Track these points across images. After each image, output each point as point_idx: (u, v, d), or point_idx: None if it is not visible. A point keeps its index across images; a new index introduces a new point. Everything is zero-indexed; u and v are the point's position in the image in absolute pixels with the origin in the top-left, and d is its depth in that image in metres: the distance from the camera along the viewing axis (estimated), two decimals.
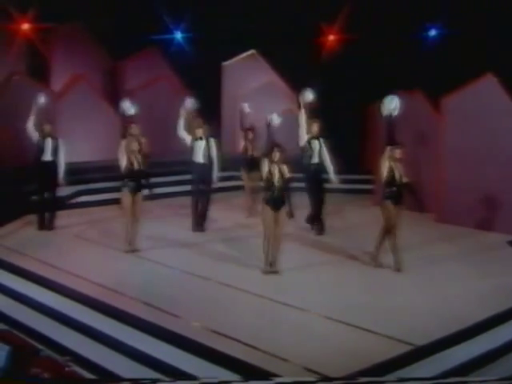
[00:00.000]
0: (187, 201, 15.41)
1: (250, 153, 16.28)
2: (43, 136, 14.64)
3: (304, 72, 20.15)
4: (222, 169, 15.49)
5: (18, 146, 16.48)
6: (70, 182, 15.81)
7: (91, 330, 10.30)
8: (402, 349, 9.18)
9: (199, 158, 14.76)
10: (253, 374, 8.55)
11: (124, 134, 13.31)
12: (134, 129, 13.48)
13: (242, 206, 16.43)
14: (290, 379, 8.00)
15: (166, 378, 8.80)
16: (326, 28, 22.02)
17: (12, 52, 19.04)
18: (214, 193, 15.34)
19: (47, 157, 14.68)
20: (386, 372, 8.61)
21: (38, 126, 14.66)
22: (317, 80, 17.30)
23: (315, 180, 14.54)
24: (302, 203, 13.74)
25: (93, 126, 19.20)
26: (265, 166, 11.74)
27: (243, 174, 16.46)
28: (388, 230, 12.15)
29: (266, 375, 8.38)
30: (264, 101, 20.62)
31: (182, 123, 14.88)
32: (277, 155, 11.70)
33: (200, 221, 14.92)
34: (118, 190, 13.70)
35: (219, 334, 9.60)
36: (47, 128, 14.68)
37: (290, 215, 12.05)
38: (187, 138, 14.81)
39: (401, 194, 12.02)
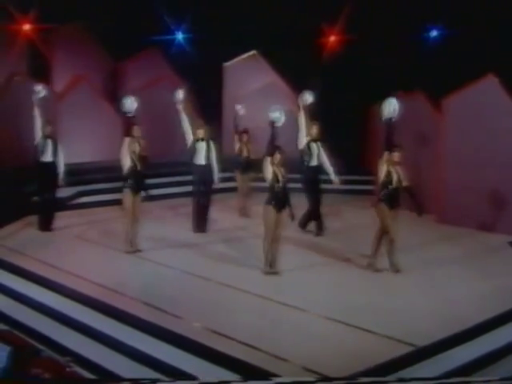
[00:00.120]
0: (187, 201, 15.42)
1: (244, 154, 16.32)
2: (43, 137, 14.62)
3: (305, 73, 20.16)
4: (222, 170, 15.49)
5: (19, 147, 16.48)
6: (70, 183, 15.81)
7: (92, 331, 10.30)
8: (403, 349, 9.18)
9: (200, 159, 14.76)
10: (253, 374, 8.54)
11: (127, 133, 13.30)
12: (136, 130, 13.51)
13: (236, 207, 16.49)
14: (289, 379, 8.01)
15: (166, 378, 8.80)
16: (327, 29, 22.03)
17: (13, 52, 19.03)
18: (214, 194, 15.33)
19: (47, 157, 14.67)
20: (387, 373, 8.60)
21: (42, 121, 14.64)
22: (317, 81, 17.36)
23: (313, 182, 14.55)
24: (300, 204, 13.71)
25: (93, 127, 19.22)
26: (267, 167, 11.74)
27: (237, 175, 16.48)
28: (384, 233, 12.09)
29: (266, 375, 8.37)
30: (265, 102, 20.60)
31: (184, 116, 14.87)
32: (278, 157, 11.72)
33: (201, 222, 14.91)
34: (118, 190, 13.70)
35: (220, 334, 9.59)
36: (47, 129, 14.67)
37: (292, 217, 12.06)
38: (189, 136, 14.80)
39: (397, 198, 11.95)
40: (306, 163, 14.49)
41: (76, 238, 14.46)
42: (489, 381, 8.35)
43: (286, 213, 11.94)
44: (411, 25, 20.17)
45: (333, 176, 14.57)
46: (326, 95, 15.51)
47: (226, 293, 11.31)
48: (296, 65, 20.49)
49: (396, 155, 11.88)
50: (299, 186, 14.44)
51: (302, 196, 14.43)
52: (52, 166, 14.70)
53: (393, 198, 11.89)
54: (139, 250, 13.32)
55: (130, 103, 13.46)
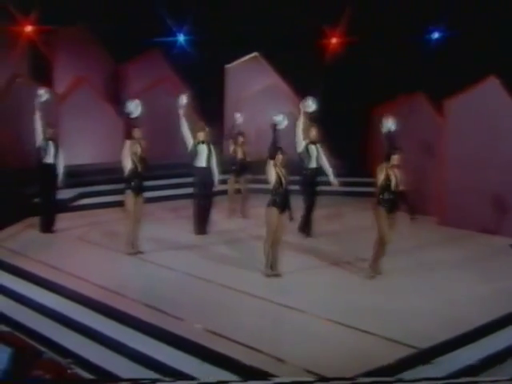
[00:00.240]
0: (188, 203, 15.42)
1: (239, 157, 16.31)
2: (45, 139, 14.61)
3: (307, 75, 20.16)
4: (223, 172, 15.53)
5: (20, 148, 16.47)
6: (72, 185, 15.80)
7: (93, 332, 10.28)
8: (403, 351, 9.15)
9: (201, 162, 14.75)
10: (255, 376, 8.54)
11: (128, 135, 13.30)
12: (137, 132, 13.50)
13: (231, 209, 16.52)
14: (288, 379, 8.05)
15: (166, 379, 8.80)
16: (329, 31, 22.04)
17: (14, 54, 19.06)
18: (214, 196, 15.34)
19: (49, 160, 14.66)
20: (389, 375, 8.58)
21: (42, 129, 14.63)
22: (319, 83, 17.35)
23: (311, 184, 14.54)
24: (298, 206, 13.68)
25: (95, 129, 19.22)
26: (271, 169, 11.73)
27: (231, 177, 16.44)
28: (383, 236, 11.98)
29: (265, 376, 8.38)
30: (266, 104, 20.63)
31: (184, 122, 14.85)
32: (280, 158, 11.72)
33: (202, 224, 14.91)
34: (120, 192, 13.71)
35: (221, 336, 9.58)
36: (49, 131, 14.66)
37: (290, 218, 12.05)
38: (189, 140, 14.79)
39: (395, 202, 11.85)
40: (305, 165, 14.47)
41: (77, 240, 14.45)
42: (498, 380, 8.36)
43: (286, 215, 11.96)
44: (413, 27, 20.14)
45: (331, 178, 14.57)
46: (327, 97, 15.46)
47: (227, 294, 11.29)
48: (298, 67, 20.47)
49: (395, 158, 11.77)
50: (298, 188, 14.41)
51: (300, 198, 14.40)
52: (54, 168, 14.67)
53: (391, 201, 11.78)
54: (141, 252, 13.31)
55: (135, 106, 13.44)
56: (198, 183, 14.90)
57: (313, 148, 14.52)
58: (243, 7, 21.07)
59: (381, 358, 8.84)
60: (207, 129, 14.99)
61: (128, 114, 13.55)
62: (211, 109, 19.60)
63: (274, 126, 12.07)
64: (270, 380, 8.15)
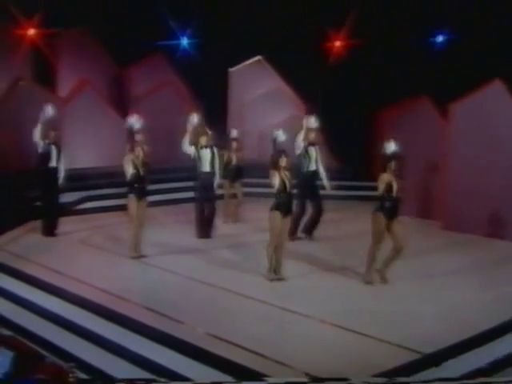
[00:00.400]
0: (191, 207, 15.39)
1: (234, 162, 16.25)
2: (48, 143, 14.59)
3: (310, 78, 20.13)
4: (224, 176, 15.58)
5: (23, 152, 16.44)
6: (75, 188, 15.77)
7: (95, 336, 10.25)
8: (407, 356, 9.11)
9: (205, 167, 14.73)
10: (248, 376, 8.55)
11: (132, 148, 13.27)
12: (139, 136, 13.46)
13: (227, 214, 16.43)
14: (282, 380, 8.06)
15: (161, 379, 8.76)
16: (333, 34, 22.01)
17: (18, 57, 19.05)
18: (217, 199, 15.33)
19: (52, 163, 14.63)
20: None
21: (44, 134, 14.60)
22: (322, 87, 17.32)
23: (310, 186, 14.49)
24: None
25: (98, 132, 19.19)
26: (274, 175, 11.68)
27: (225, 182, 16.38)
28: (378, 242, 11.87)
29: (260, 376, 8.38)
30: (270, 107, 20.64)
31: (187, 139, 14.81)
32: (284, 160, 11.69)
33: (206, 228, 14.88)
34: (123, 196, 13.68)
35: (223, 340, 9.54)
36: (52, 135, 14.64)
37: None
38: (191, 151, 14.75)
39: (395, 208, 11.73)
40: (304, 168, 14.40)
41: (80, 244, 14.43)
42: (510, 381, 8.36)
43: (289, 218, 11.95)
44: (417, 30, 20.13)
45: (325, 181, 14.50)
46: (331, 100, 15.42)
47: (230, 298, 11.26)
48: (301, 70, 20.44)
49: (394, 164, 11.61)
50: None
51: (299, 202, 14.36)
52: (56, 172, 14.66)
53: (391, 208, 11.66)
54: (143, 256, 13.29)
55: (135, 121, 13.42)
56: (200, 187, 14.87)
57: (312, 150, 14.48)
58: (246, 10, 21.03)
59: (385, 364, 8.78)
60: (210, 132, 14.98)
61: (130, 128, 13.51)
62: (215, 112, 19.55)
63: (274, 140, 12.07)
64: (263, 380, 8.17)
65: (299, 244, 14.07)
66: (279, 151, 11.92)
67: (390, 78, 19.39)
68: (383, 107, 17.95)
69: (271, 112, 20.87)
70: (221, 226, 15.54)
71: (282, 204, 11.75)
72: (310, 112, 15.02)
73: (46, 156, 14.57)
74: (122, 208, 14.15)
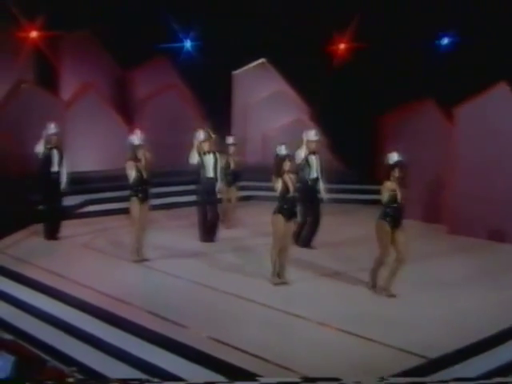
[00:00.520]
0: (193, 211, 15.34)
1: (231, 167, 16.15)
2: (49, 147, 14.53)
3: (314, 81, 20.09)
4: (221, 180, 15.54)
5: (25, 155, 16.36)
6: (77, 191, 15.71)
7: (97, 340, 10.22)
8: (413, 360, 9.06)
9: (209, 172, 14.70)
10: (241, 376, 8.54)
11: (133, 159, 13.18)
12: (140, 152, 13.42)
13: (224, 219, 16.28)
14: (274, 380, 8.08)
15: (154, 379, 8.73)
16: (337, 37, 22.00)
17: (20, 59, 19.03)
18: (219, 203, 15.31)
19: (54, 167, 14.57)
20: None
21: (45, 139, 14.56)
22: (327, 90, 17.26)
23: (311, 195, 14.40)
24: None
25: (101, 135, 19.14)
26: (277, 179, 11.61)
27: (223, 187, 16.28)
28: (387, 255, 11.72)
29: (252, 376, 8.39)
30: (274, 110, 20.61)
31: (194, 153, 14.76)
32: (288, 164, 11.63)
33: (210, 231, 14.82)
34: (125, 199, 13.63)
35: (226, 344, 9.50)
36: (54, 139, 14.58)
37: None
38: (195, 159, 14.69)
39: (399, 216, 11.60)
40: (305, 176, 14.32)
41: (82, 247, 14.40)
42: None
43: (293, 222, 11.90)
44: (423, 33, 20.10)
45: (323, 193, 14.39)
46: (336, 103, 15.36)
47: (233, 302, 11.22)
48: (305, 73, 20.38)
49: (397, 172, 11.48)
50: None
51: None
52: (58, 175, 14.63)
53: (395, 216, 11.51)
54: (146, 260, 13.24)
55: (137, 137, 13.36)
56: (202, 191, 14.82)
57: (313, 158, 14.41)
58: (250, 13, 20.99)
59: (390, 368, 8.74)
60: (213, 136, 14.92)
61: (131, 143, 13.43)
62: (218, 115, 19.50)
63: (277, 156, 12.00)
64: (256, 380, 8.18)
65: (302, 249, 14.00)
66: (283, 155, 11.85)
67: (394, 81, 19.35)
68: (388, 110, 17.91)
69: (275, 115, 20.83)
70: (224, 229, 15.48)
71: (285, 208, 11.69)
72: (312, 117, 14.93)
73: (48, 160, 14.52)
74: (125, 211, 14.13)
